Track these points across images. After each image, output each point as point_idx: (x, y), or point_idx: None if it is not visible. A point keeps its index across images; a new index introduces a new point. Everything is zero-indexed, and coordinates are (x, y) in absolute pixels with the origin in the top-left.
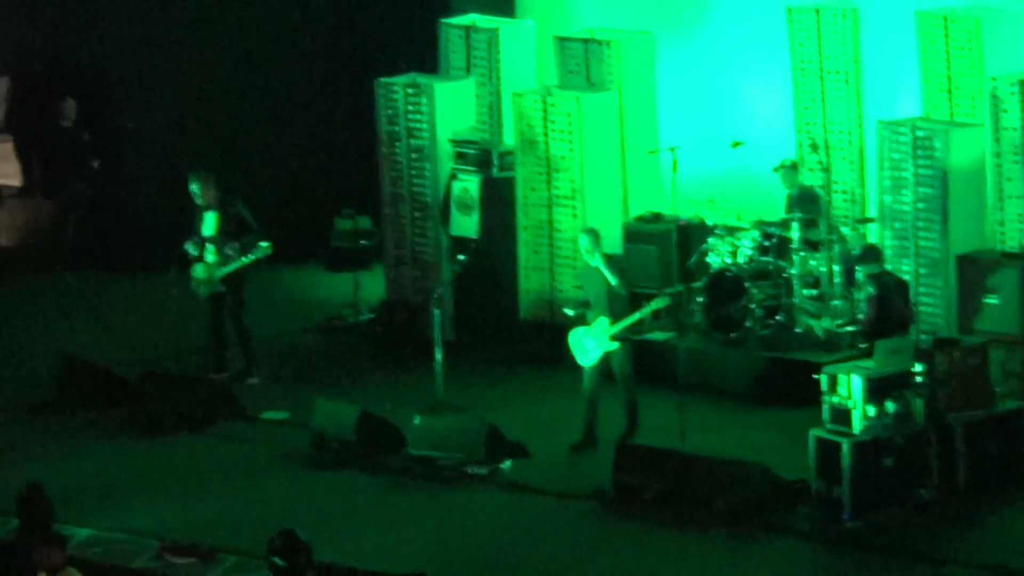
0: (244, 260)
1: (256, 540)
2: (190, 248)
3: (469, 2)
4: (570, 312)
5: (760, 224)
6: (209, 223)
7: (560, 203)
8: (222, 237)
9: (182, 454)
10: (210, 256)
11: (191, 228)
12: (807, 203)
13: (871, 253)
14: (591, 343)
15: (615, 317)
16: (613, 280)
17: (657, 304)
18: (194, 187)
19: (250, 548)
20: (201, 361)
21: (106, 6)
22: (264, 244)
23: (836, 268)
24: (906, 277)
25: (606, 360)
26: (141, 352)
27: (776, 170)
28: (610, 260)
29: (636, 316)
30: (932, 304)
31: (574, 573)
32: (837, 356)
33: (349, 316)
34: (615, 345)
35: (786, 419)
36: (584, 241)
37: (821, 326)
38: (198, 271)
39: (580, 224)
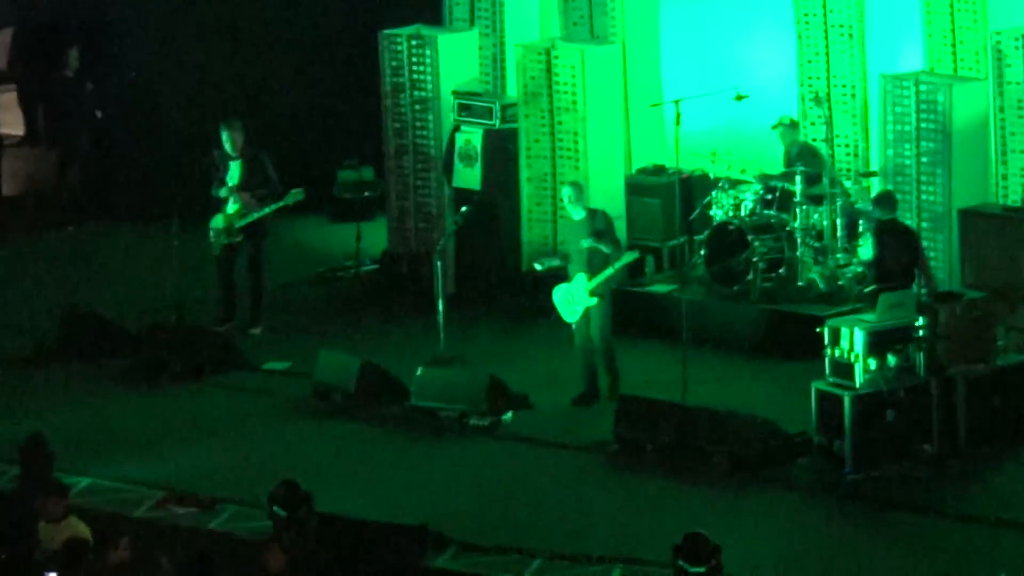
0: (267, 210)
1: (257, 490)
2: (221, 192)
3: None
4: (538, 267)
5: (763, 177)
6: (233, 172)
7: (563, 155)
8: (246, 187)
9: (183, 404)
10: (231, 206)
11: (214, 175)
12: (807, 158)
13: (885, 199)
14: (573, 299)
15: (593, 272)
16: (585, 242)
17: (627, 258)
18: (224, 135)
19: (251, 498)
20: (203, 311)
21: None
22: (295, 191)
23: (839, 221)
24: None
25: (587, 315)
26: (143, 303)
27: (775, 128)
28: (593, 216)
29: (609, 271)
30: (934, 258)
31: (575, 526)
32: (839, 309)
33: (352, 267)
34: (594, 300)
35: (788, 372)
36: (567, 193)
37: (823, 275)
38: (217, 220)
39: (582, 177)
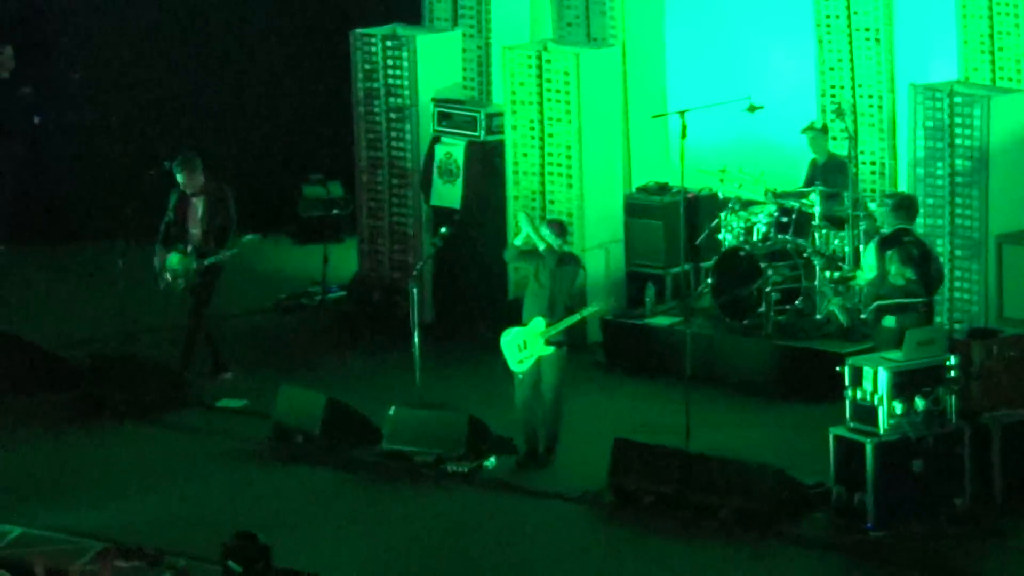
0: (227, 253)
1: (209, 542)
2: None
3: None
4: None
5: (778, 197)
6: (196, 210)
7: (554, 171)
8: (207, 227)
9: (129, 445)
10: (191, 245)
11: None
12: (833, 173)
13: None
14: (525, 346)
15: (553, 318)
16: (550, 283)
17: (593, 309)
18: (179, 175)
19: (202, 551)
20: (152, 342)
21: None
22: (250, 237)
23: (862, 248)
24: (940, 260)
25: (539, 366)
26: (84, 332)
27: (805, 131)
28: (566, 260)
29: (575, 318)
30: (968, 290)
31: None
32: (862, 346)
33: (317, 293)
34: (550, 350)
35: (804, 416)
36: (546, 232)
37: (844, 307)
38: (173, 260)
39: (576, 196)
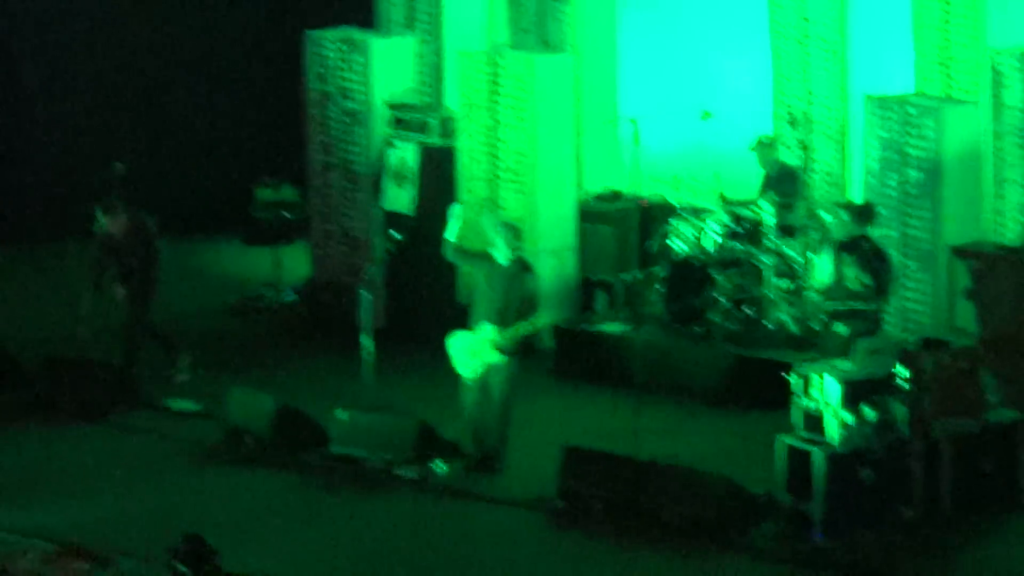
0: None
1: (157, 544)
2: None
3: None
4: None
5: (730, 206)
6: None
7: (506, 178)
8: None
9: (78, 446)
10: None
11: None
12: (785, 183)
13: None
14: (473, 351)
15: (504, 323)
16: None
17: (544, 320)
18: (101, 221)
19: (150, 553)
20: (102, 343)
21: None
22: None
23: (813, 257)
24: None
25: (487, 372)
26: (33, 332)
27: (752, 149)
28: (519, 266)
29: (527, 328)
30: (920, 301)
31: None
32: (812, 354)
33: (269, 296)
34: (500, 358)
35: (753, 424)
36: (503, 233)
37: (795, 316)
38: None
39: (527, 203)
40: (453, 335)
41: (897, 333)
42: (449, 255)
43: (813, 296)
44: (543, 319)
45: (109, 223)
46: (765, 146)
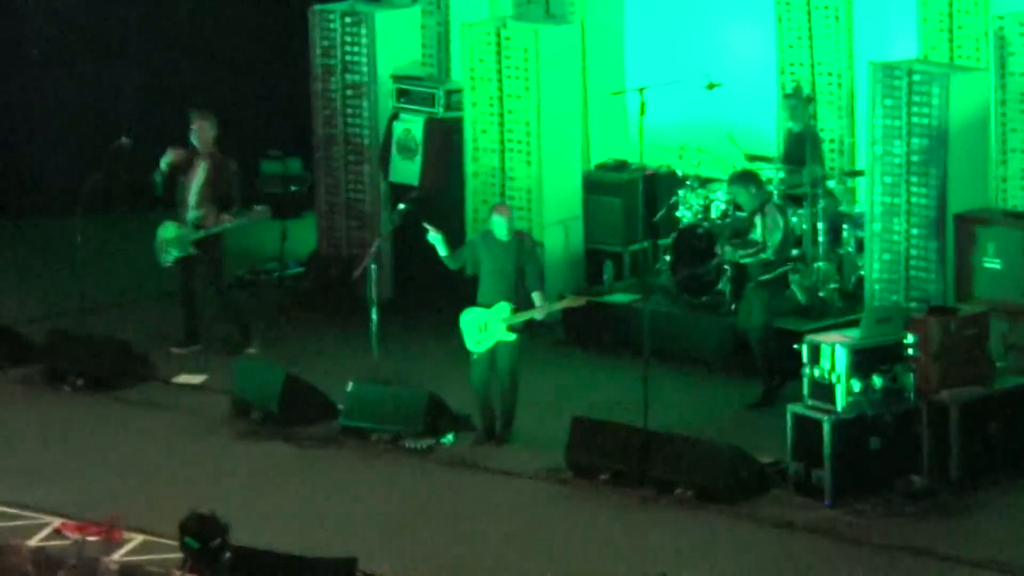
0: (227, 226)
1: (167, 518)
2: (157, 181)
3: None
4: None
5: (749, 159)
6: (199, 176)
7: (513, 148)
8: (208, 195)
9: (87, 421)
10: (190, 214)
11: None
12: (805, 144)
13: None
14: (485, 328)
15: (518, 305)
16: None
17: (569, 303)
18: (193, 127)
19: (160, 527)
20: (111, 317)
21: None
22: (261, 208)
23: (820, 226)
24: (896, 237)
25: (496, 347)
26: (42, 307)
27: (787, 97)
28: (521, 240)
29: (536, 314)
30: (926, 268)
31: (519, 563)
32: (820, 323)
33: (275, 270)
34: (511, 336)
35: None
36: (498, 219)
37: (802, 285)
38: (168, 230)
39: (535, 173)
40: (466, 311)
41: (904, 301)
42: (453, 265)
43: (821, 265)
44: (568, 302)
45: (198, 135)
46: (803, 100)
